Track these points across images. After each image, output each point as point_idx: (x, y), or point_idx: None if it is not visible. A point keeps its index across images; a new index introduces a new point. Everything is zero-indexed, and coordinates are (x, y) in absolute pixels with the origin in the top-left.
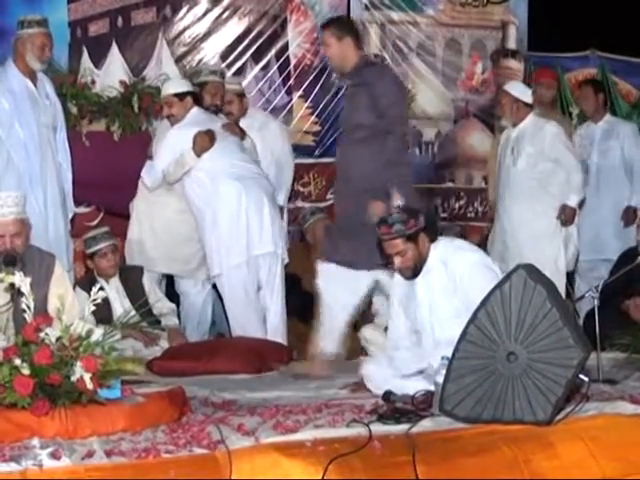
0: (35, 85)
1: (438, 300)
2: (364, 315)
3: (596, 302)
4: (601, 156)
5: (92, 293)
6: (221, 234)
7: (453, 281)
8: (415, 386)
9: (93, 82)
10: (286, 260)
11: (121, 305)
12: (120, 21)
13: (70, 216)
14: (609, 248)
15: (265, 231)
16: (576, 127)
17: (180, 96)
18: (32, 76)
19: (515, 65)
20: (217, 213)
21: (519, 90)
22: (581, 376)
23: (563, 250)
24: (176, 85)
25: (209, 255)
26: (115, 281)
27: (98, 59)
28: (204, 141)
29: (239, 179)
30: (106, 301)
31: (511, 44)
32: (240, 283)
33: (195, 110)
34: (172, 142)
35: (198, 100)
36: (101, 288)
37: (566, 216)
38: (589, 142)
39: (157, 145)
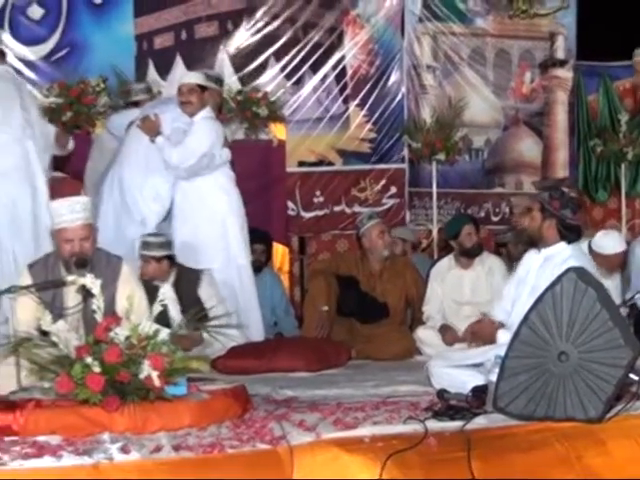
0: None
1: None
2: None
3: None
4: None
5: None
6: None
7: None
8: (470, 384)
9: (159, 93)
10: None
11: (174, 311)
12: (184, 34)
13: None
14: None
15: None
16: (625, 135)
17: (203, 89)
18: None
19: (563, 74)
20: None
21: None
22: (631, 375)
23: None
24: (203, 78)
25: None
26: (167, 287)
27: (164, 71)
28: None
29: None
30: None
31: (559, 54)
32: None
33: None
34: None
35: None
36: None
37: None
38: None
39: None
